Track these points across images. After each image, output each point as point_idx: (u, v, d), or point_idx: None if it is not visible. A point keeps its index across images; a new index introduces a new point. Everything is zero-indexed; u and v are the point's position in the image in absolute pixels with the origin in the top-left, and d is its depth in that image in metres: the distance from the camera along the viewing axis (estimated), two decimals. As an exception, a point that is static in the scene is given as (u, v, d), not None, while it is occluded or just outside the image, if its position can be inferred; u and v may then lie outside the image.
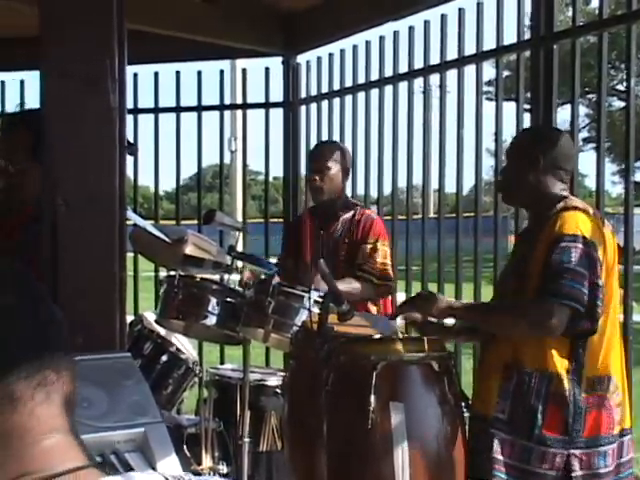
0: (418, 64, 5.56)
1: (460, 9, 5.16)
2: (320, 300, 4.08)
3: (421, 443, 2.93)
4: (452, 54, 5.27)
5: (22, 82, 7.10)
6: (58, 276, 2.38)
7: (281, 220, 6.83)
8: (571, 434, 3.07)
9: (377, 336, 3.29)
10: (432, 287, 5.35)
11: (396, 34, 5.69)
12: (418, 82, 5.63)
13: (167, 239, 4.21)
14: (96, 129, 2.40)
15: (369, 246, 4.74)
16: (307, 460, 3.15)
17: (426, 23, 5.36)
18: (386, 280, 4.75)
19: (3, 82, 7.18)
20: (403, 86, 5.74)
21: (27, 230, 3.32)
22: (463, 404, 3.11)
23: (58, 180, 2.37)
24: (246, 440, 4.19)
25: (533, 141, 3.36)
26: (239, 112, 7.30)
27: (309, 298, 4.04)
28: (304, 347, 3.35)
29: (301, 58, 6.75)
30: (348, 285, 4.51)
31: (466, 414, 3.15)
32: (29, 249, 3.23)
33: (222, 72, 6.87)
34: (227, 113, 7.72)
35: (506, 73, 5.49)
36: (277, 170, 7.19)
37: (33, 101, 6.98)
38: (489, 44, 5.06)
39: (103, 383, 2.14)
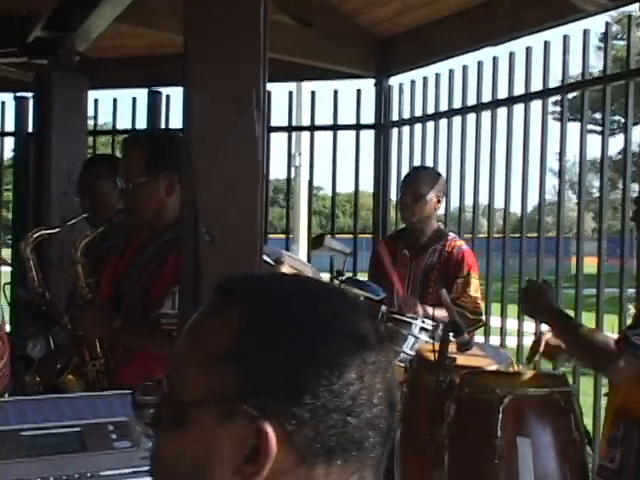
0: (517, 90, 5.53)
1: (565, 36, 5.13)
2: (427, 328, 4.09)
3: (547, 480, 2.88)
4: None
5: (134, 99, 7.17)
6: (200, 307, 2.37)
7: (344, 236, 6.85)
8: None
9: (501, 369, 3.26)
10: (495, 307, 5.44)
11: (495, 60, 5.65)
12: (518, 108, 5.57)
13: (270, 261, 4.22)
14: (241, 159, 2.40)
15: (461, 280, 4.69)
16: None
17: (528, 50, 5.32)
18: (479, 315, 4.71)
19: (115, 99, 7.25)
20: (502, 112, 5.69)
21: (144, 250, 3.35)
22: (587, 442, 3.05)
23: (202, 210, 2.37)
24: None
25: None
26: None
27: (417, 326, 4.03)
28: (420, 376, 3.33)
29: (393, 80, 6.75)
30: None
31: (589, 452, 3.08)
32: (147, 268, 3.26)
33: (291, 93, 6.93)
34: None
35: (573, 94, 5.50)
36: (341, 186, 7.25)
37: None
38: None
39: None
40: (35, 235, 3.90)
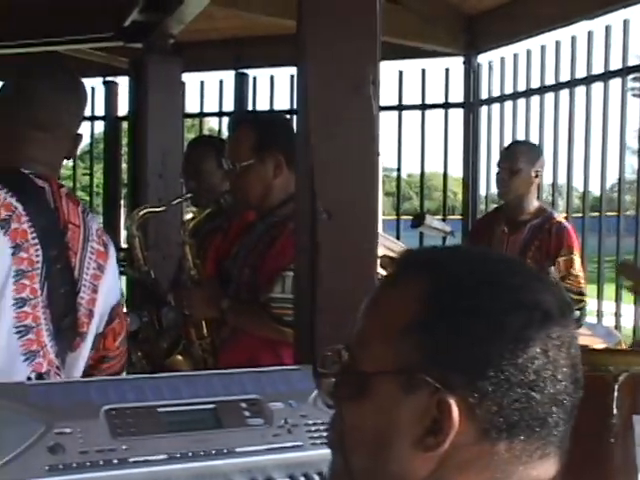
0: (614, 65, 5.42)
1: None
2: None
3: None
4: None
5: (221, 82, 7.22)
6: (317, 285, 2.37)
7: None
8: None
9: (612, 347, 3.20)
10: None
11: (590, 34, 5.55)
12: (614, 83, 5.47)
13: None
14: (358, 136, 2.38)
15: (564, 258, 4.60)
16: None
17: (625, 22, 5.22)
18: (582, 295, 4.61)
19: (202, 82, 7.30)
20: (597, 87, 5.59)
21: (252, 231, 3.35)
22: None
23: (318, 188, 2.35)
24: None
25: None
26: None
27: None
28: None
29: (482, 58, 6.68)
30: None
31: None
32: (255, 250, 3.26)
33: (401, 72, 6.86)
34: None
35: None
36: (410, 167, 7.18)
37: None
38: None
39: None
40: (141, 213, 3.94)
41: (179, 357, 3.50)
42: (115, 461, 1.67)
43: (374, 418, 1.03)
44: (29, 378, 2.14)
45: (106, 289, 2.36)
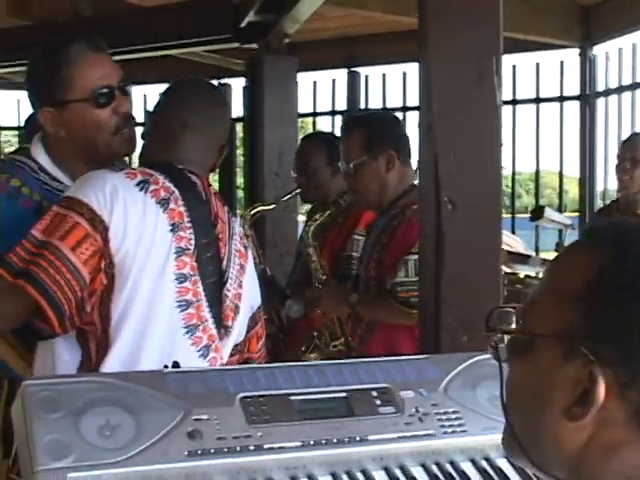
0: None
1: None
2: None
3: None
4: None
5: (334, 81, 7.24)
6: (442, 276, 2.37)
7: (527, 216, 6.66)
8: None
9: None
10: None
11: None
12: None
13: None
14: (481, 127, 2.38)
15: None
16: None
17: None
18: None
19: (315, 82, 7.33)
20: None
21: (373, 229, 3.42)
22: None
23: (442, 178, 2.36)
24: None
25: None
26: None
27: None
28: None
29: (598, 49, 6.55)
30: None
31: None
32: (378, 244, 3.32)
33: (514, 66, 6.78)
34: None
35: None
36: (521, 166, 7.03)
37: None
38: None
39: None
40: (253, 211, 4.03)
41: (314, 355, 3.58)
42: (251, 447, 1.69)
43: (534, 379, 1.06)
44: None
45: (248, 289, 2.43)
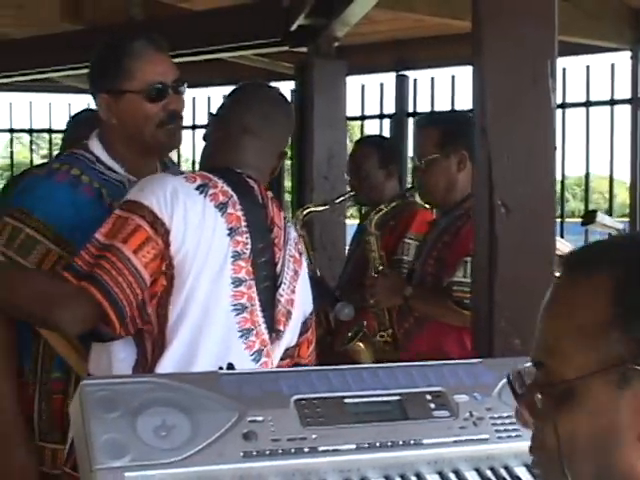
0: None
1: None
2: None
3: None
4: None
5: (382, 85, 7.22)
6: (495, 280, 2.36)
7: (575, 220, 6.60)
8: None
9: None
10: None
11: None
12: None
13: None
14: (537, 129, 2.37)
15: None
16: None
17: None
18: None
19: (363, 86, 7.33)
20: None
21: (434, 227, 3.48)
22: None
23: (496, 181, 2.35)
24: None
25: None
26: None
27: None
28: None
29: (650, 52, 6.47)
30: None
31: None
32: (439, 242, 3.35)
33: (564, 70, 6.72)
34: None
35: None
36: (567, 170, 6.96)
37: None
38: None
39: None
40: (305, 212, 4.06)
41: (360, 345, 3.60)
42: (306, 449, 1.70)
43: (591, 422, 1.01)
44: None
45: (301, 296, 2.45)
